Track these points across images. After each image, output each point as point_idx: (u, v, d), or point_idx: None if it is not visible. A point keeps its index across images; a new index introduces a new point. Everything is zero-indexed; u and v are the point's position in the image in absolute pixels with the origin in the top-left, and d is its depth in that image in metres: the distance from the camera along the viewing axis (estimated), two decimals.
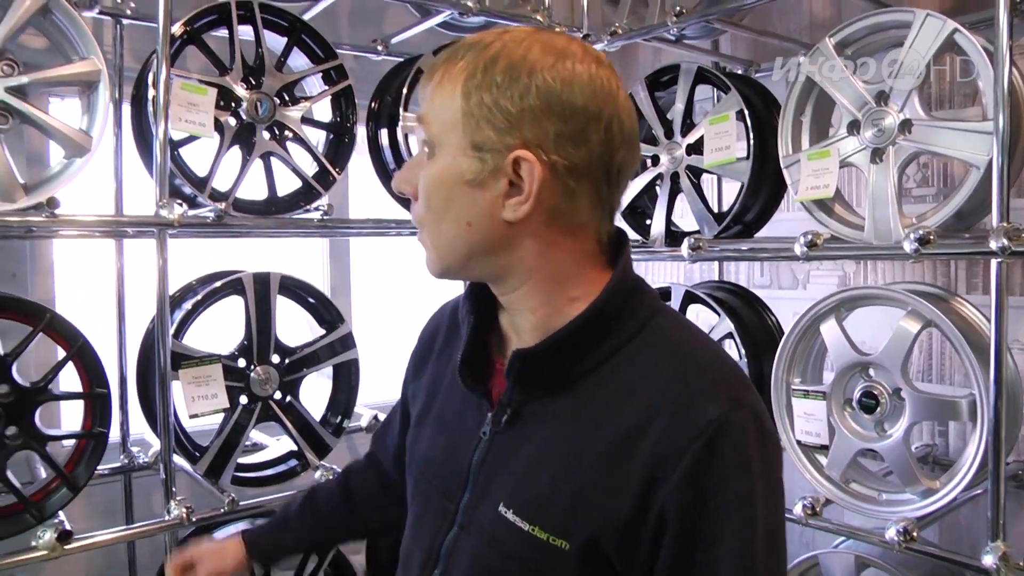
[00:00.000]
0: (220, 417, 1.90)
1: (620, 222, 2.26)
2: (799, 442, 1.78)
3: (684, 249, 1.97)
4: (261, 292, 1.94)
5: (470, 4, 2.02)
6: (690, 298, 2.11)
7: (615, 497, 0.79)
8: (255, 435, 2.06)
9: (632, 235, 2.22)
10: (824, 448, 1.74)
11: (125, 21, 1.98)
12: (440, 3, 2.04)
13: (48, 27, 1.77)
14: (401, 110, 2.07)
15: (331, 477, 1.40)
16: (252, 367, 1.94)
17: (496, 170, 0.81)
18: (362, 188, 2.52)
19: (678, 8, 2.07)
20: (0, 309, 1.78)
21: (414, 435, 1.05)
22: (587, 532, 0.80)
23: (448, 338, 1.04)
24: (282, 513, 1.36)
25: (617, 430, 0.80)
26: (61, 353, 1.83)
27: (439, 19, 2.12)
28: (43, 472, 1.86)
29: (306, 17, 2.02)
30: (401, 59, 2.26)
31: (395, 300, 2.91)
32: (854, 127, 1.69)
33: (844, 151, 1.70)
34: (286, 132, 1.95)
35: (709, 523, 0.77)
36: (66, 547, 1.60)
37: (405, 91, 2.07)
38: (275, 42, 1.97)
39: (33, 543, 1.57)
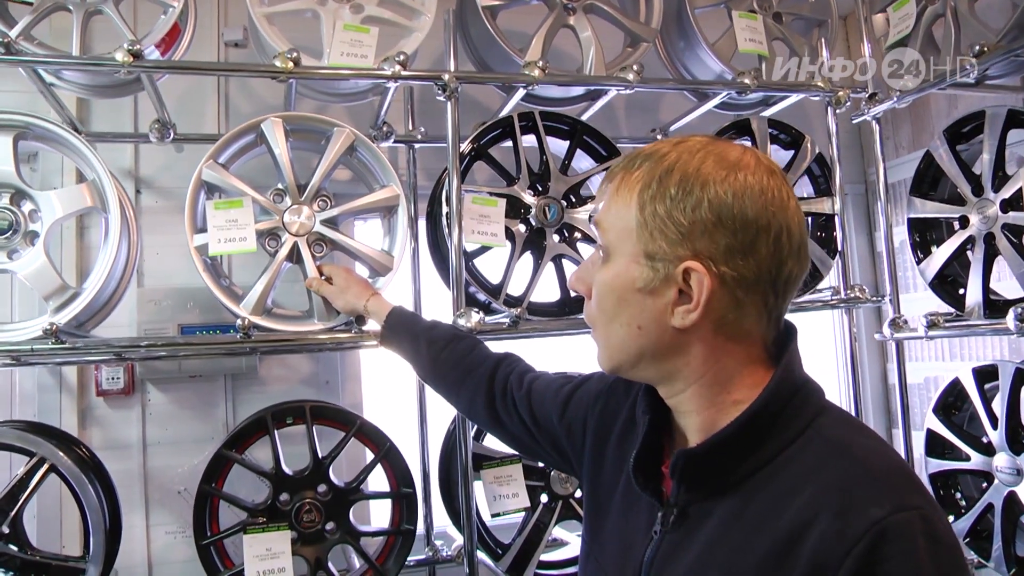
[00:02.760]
0: (522, 514, 1.93)
1: (929, 293, 2.10)
2: None
3: (1010, 321, 1.76)
4: None
5: (747, 81, 1.94)
6: (1022, 377, 1.87)
7: None
8: (556, 531, 2.06)
9: (944, 307, 2.01)
10: None
11: (416, 145, 2.10)
12: (718, 86, 1.98)
13: (353, 162, 1.92)
14: None
15: (483, 353, 1.44)
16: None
17: (667, 279, 0.84)
18: None
19: (977, 47, 1.87)
20: (318, 416, 1.97)
21: (595, 529, 1.06)
22: None
23: (625, 430, 1.05)
24: (427, 330, 1.54)
25: (777, 535, 0.78)
26: (369, 455, 1.96)
27: (716, 101, 2.06)
28: (356, 563, 2.00)
29: (584, 117, 2.03)
30: None
31: None
32: None
33: None
34: (575, 233, 1.96)
35: None
36: None
37: None
38: (557, 146, 1.99)
39: None
